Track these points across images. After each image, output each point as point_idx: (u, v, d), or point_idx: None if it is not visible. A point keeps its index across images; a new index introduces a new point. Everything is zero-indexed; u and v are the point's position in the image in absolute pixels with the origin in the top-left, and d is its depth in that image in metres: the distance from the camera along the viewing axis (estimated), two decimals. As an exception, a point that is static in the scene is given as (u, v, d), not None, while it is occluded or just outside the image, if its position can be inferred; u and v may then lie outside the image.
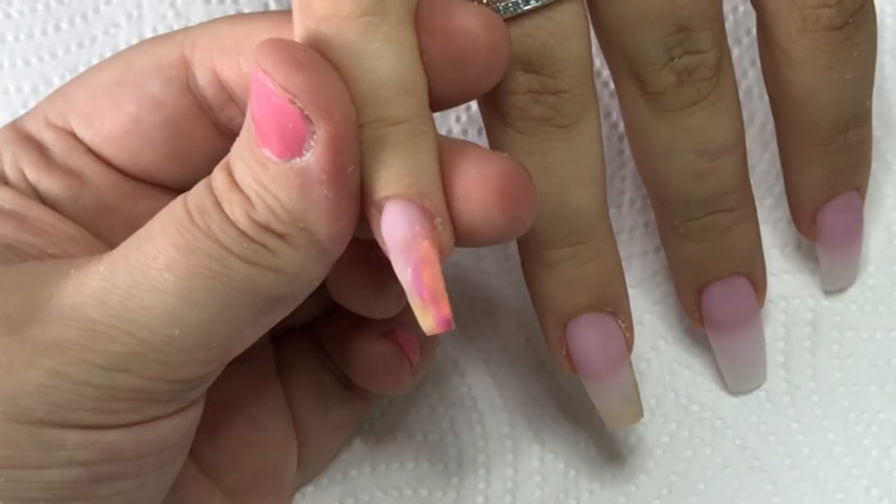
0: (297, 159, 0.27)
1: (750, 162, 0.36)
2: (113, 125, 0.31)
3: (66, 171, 0.32)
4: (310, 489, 0.38)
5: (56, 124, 0.32)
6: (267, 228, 0.27)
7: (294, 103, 0.26)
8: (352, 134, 0.27)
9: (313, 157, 0.26)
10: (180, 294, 0.27)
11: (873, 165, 0.38)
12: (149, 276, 0.27)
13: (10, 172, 0.32)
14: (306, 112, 0.26)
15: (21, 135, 0.32)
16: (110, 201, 0.32)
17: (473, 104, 0.41)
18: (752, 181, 0.36)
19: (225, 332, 0.28)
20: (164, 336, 0.27)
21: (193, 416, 0.30)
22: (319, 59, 0.27)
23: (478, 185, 0.28)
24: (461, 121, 0.42)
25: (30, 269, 0.29)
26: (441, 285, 0.27)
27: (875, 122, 0.37)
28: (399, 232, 0.27)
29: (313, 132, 0.26)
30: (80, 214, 0.32)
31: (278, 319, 0.29)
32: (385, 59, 0.27)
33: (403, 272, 0.27)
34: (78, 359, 0.27)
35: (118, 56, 0.32)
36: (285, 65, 0.26)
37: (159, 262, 0.27)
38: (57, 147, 0.32)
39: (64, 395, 0.27)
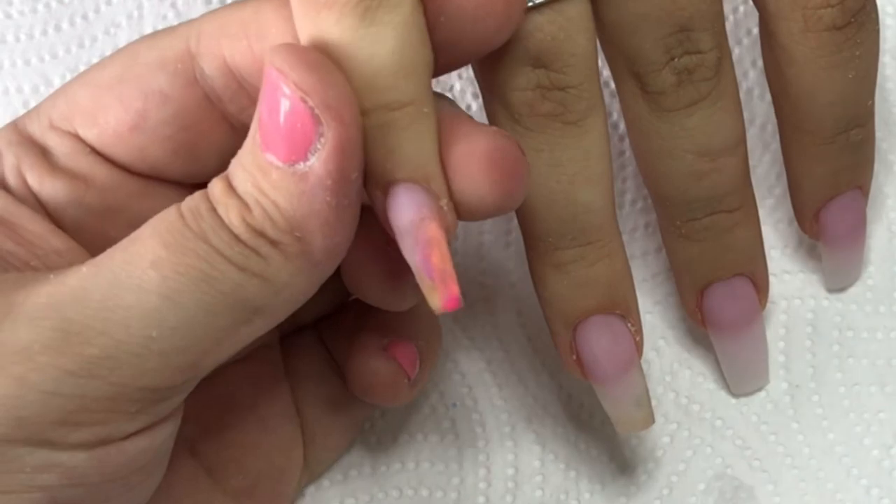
0: (301, 164, 0.27)
1: (750, 163, 0.36)
2: (119, 122, 0.31)
3: (71, 175, 0.31)
4: (310, 490, 0.38)
5: (60, 128, 0.31)
6: (261, 234, 0.27)
7: (305, 101, 0.26)
8: (359, 140, 0.27)
9: (319, 160, 0.26)
10: (163, 293, 0.26)
11: (874, 166, 0.38)
12: (132, 273, 0.27)
13: (10, 176, 0.31)
14: (317, 111, 0.26)
15: (23, 137, 0.32)
16: (116, 201, 0.32)
17: (479, 98, 0.41)
18: (753, 182, 0.36)
19: (203, 339, 0.27)
20: (141, 337, 0.26)
21: (161, 438, 0.29)
22: (330, 63, 0.27)
23: (467, 160, 0.28)
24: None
25: (7, 278, 0.28)
26: (450, 265, 0.28)
27: (876, 123, 0.37)
28: (406, 215, 0.28)
29: (321, 134, 0.26)
30: (86, 217, 0.31)
31: (256, 335, 0.28)
32: (385, 44, 0.27)
33: (412, 254, 0.28)
34: (47, 364, 0.26)
35: (120, 52, 0.32)
36: (300, 64, 0.26)
37: (145, 261, 0.27)
38: (60, 151, 0.31)
39: (29, 406, 0.26)
